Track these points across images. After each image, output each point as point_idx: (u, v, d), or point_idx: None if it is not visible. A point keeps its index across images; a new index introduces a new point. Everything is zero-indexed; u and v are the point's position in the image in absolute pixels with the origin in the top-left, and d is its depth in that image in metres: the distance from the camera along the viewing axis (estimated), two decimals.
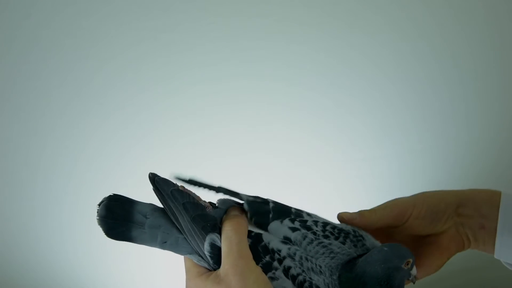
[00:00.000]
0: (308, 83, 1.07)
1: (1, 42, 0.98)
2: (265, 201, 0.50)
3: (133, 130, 1.07)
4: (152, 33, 0.98)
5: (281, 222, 0.48)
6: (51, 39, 0.98)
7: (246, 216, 0.48)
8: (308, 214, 0.50)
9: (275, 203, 0.50)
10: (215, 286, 0.43)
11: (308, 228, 0.48)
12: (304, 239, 0.47)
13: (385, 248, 0.46)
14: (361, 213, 0.53)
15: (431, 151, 1.16)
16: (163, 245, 0.51)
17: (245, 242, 0.45)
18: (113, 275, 1.29)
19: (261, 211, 0.49)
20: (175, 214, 0.47)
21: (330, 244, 0.48)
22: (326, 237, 0.48)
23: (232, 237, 0.45)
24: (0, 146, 1.08)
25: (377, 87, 1.09)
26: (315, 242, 0.47)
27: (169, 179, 0.49)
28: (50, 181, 1.13)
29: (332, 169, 1.17)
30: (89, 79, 1.02)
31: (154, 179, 0.49)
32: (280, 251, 0.46)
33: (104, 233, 0.49)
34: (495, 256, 0.51)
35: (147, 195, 1.18)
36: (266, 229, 0.48)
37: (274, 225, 0.48)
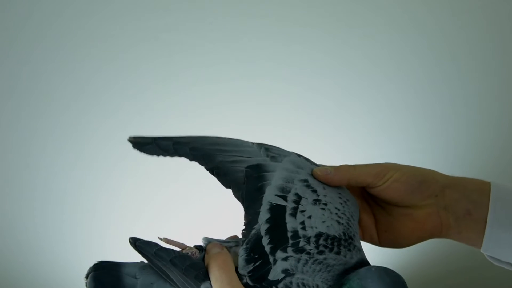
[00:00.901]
0: (308, 83, 1.07)
1: (1, 43, 0.98)
2: (258, 236, 0.49)
3: (133, 130, 1.07)
4: (152, 33, 0.98)
5: (274, 263, 0.48)
6: (52, 39, 0.98)
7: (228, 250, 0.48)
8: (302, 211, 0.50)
9: (268, 230, 0.49)
10: None
11: (301, 251, 0.48)
12: (298, 262, 0.48)
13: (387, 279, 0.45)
14: (338, 167, 0.51)
15: (431, 151, 1.16)
16: None
17: (236, 279, 0.44)
18: None
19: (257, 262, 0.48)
20: (165, 272, 0.48)
21: (325, 259, 0.48)
22: (320, 252, 0.48)
23: (221, 277, 0.44)
24: (0, 146, 1.08)
25: (377, 87, 1.09)
26: (310, 262, 0.48)
27: (151, 241, 0.49)
28: (50, 181, 1.13)
29: None
30: (89, 79, 1.03)
31: (136, 243, 0.49)
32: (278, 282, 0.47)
33: None
34: (481, 250, 0.49)
35: (147, 195, 1.18)
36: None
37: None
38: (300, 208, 0.49)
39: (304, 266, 0.47)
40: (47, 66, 1.00)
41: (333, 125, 1.11)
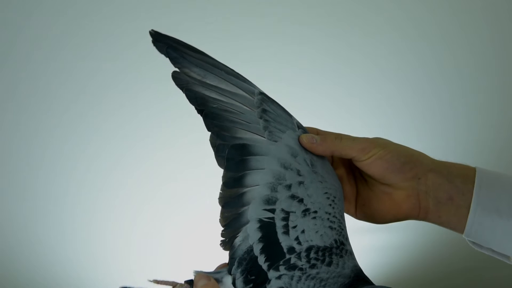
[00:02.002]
0: (308, 83, 1.07)
1: (2, 43, 0.98)
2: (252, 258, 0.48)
3: (133, 130, 1.07)
4: None
5: (269, 283, 0.48)
6: (52, 39, 0.98)
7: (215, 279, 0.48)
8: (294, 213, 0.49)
9: (262, 249, 0.48)
10: None
11: (294, 267, 0.48)
12: (292, 279, 0.47)
13: None
14: (324, 137, 0.50)
15: (431, 151, 1.16)
16: None
17: None
18: (113, 275, 1.29)
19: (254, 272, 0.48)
20: None
21: (318, 273, 0.48)
22: (312, 266, 0.48)
23: None
24: (1, 146, 1.08)
25: (377, 87, 1.09)
26: (303, 278, 0.47)
27: None
28: (50, 181, 1.13)
29: None
30: (89, 79, 1.03)
31: None
32: None
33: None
34: (464, 235, 0.48)
35: (147, 195, 1.18)
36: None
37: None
38: (291, 224, 0.48)
39: (297, 283, 0.47)
40: (47, 66, 1.00)
41: (333, 125, 1.11)
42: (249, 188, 0.48)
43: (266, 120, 0.50)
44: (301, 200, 0.49)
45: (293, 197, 0.49)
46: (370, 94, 1.09)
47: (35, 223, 1.18)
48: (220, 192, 0.48)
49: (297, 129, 0.52)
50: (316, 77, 1.06)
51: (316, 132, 0.53)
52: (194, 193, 1.12)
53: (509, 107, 1.13)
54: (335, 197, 0.50)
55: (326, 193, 0.50)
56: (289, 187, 0.49)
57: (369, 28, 1.02)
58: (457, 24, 1.03)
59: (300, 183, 0.49)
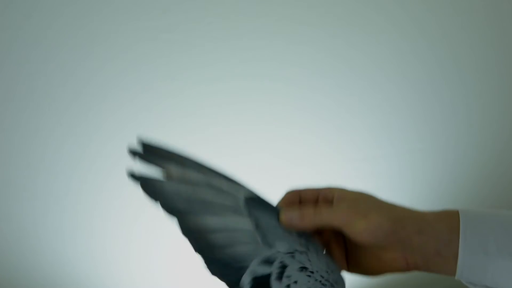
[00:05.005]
0: (308, 83, 1.07)
1: (1, 43, 0.98)
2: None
3: (133, 130, 1.07)
4: (152, 33, 0.98)
5: None
6: (52, 39, 0.98)
7: None
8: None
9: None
10: None
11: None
12: None
13: None
14: (303, 214, 0.50)
15: (431, 151, 1.16)
16: None
17: None
18: (113, 275, 1.29)
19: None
20: None
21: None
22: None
23: None
24: (1, 146, 1.08)
25: (377, 87, 1.09)
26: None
27: None
28: (50, 181, 1.13)
29: (332, 169, 1.17)
30: (89, 79, 1.03)
31: None
32: None
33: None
34: (456, 278, 0.49)
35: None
36: None
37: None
38: (286, 273, 0.48)
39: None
40: (47, 66, 1.00)
41: (333, 125, 1.11)
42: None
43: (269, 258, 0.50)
44: (304, 267, 0.49)
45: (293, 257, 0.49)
46: (370, 93, 1.09)
47: (34, 223, 1.18)
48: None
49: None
50: (316, 77, 1.06)
51: (298, 196, 0.53)
52: None
53: (510, 107, 1.13)
54: (333, 270, 0.51)
55: (327, 263, 0.51)
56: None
57: (369, 28, 1.02)
58: (459, 23, 1.03)
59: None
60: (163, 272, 1.27)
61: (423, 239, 0.49)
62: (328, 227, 0.50)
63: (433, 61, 1.07)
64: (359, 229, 0.48)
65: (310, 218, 0.50)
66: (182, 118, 1.05)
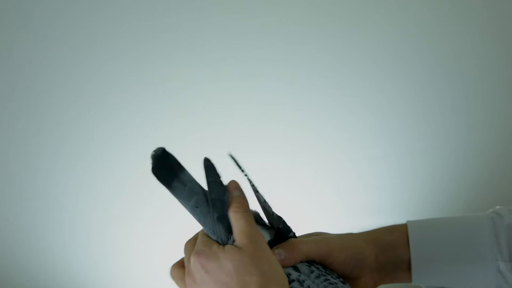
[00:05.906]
0: (308, 83, 1.07)
1: (1, 43, 0.98)
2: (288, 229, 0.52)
3: (133, 130, 1.07)
4: (152, 33, 0.98)
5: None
6: (52, 39, 0.98)
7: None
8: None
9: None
10: (235, 253, 0.47)
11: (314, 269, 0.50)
12: (311, 273, 0.49)
13: None
14: (291, 250, 0.52)
15: (431, 151, 1.16)
16: (194, 209, 0.54)
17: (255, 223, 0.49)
18: (113, 275, 1.29)
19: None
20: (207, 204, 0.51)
21: (336, 283, 0.49)
22: (331, 276, 0.49)
23: (247, 217, 0.49)
24: (0, 146, 1.08)
25: (378, 87, 1.08)
26: (322, 278, 0.49)
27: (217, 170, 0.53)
28: (50, 181, 1.13)
29: (332, 169, 1.17)
30: (89, 79, 1.03)
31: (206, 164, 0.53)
32: (290, 274, 0.48)
33: (151, 168, 0.52)
34: (412, 283, 0.55)
35: (147, 195, 1.18)
36: None
37: None
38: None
39: (316, 278, 0.49)
40: (47, 66, 1.00)
41: (333, 125, 1.11)
42: None
43: None
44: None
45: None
46: (371, 93, 1.09)
47: (34, 223, 1.18)
48: None
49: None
50: (316, 77, 1.06)
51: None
52: None
53: (510, 107, 1.12)
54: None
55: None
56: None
57: (369, 28, 1.02)
58: (458, 23, 1.03)
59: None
60: (163, 272, 1.27)
61: (384, 259, 0.55)
62: (312, 258, 0.54)
63: (433, 61, 1.07)
64: (337, 261, 0.54)
65: (298, 251, 0.53)
66: (182, 118, 1.05)
